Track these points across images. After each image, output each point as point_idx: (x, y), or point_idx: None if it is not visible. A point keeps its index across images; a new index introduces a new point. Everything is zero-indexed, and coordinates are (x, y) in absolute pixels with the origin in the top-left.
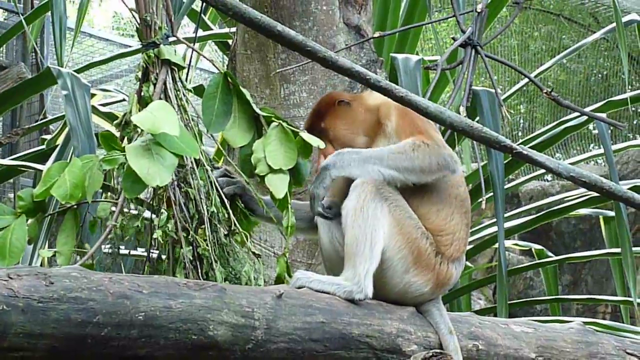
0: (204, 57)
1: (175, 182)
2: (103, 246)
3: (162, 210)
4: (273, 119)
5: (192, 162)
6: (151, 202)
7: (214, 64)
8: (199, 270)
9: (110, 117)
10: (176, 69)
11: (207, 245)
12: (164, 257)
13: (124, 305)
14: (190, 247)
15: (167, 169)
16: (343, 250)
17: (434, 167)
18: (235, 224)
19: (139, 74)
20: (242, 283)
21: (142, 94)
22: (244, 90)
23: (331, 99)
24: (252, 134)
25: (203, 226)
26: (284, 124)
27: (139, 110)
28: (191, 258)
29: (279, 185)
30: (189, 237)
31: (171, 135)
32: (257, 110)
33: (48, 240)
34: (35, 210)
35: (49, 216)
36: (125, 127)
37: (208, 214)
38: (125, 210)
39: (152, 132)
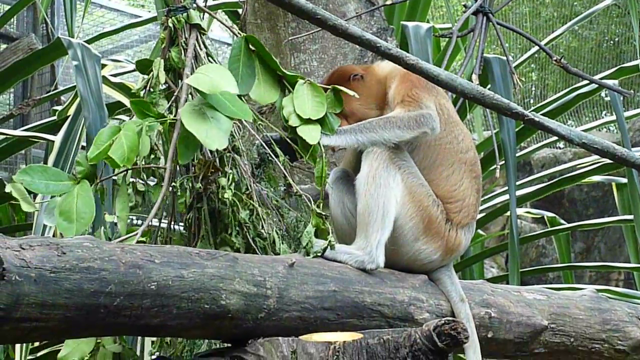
0: (224, 24)
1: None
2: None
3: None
4: (298, 78)
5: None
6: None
7: (232, 31)
8: (249, 235)
9: (121, 87)
10: (203, 34)
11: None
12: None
13: (137, 275)
14: (247, 211)
15: (224, 132)
16: (354, 220)
17: (413, 125)
18: (293, 186)
19: (164, 39)
20: (302, 244)
21: (167, 58)
22: (269, 53)
23: (344, 74)
24: (278, 92)
25: (249, 191)
26: (311, 81)
27: (167, 75)
28: (248, 222)
29: (311, 133)
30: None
31: (222, 99)
32: (279, 72)
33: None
34: (92, 175)
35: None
36: (150, 93)
37: (257, 178)
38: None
39: (211, 93)
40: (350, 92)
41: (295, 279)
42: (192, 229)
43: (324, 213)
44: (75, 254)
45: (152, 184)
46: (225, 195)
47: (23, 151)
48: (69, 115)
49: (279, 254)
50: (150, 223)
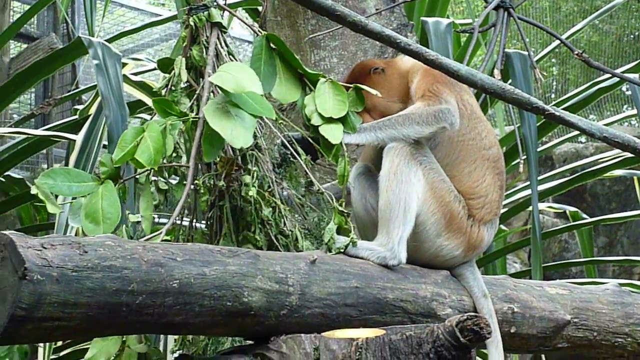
0: (245, 23)
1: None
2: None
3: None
4: (320, 77)
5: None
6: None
7: (252, 29)
8: (271, 232)
9: (142, 86)
10: (224, 32)
11: (284, 205)
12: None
13: (159, 273)
14: (270, 209)
15: (249, 130)
16: (376, 215)
17: (431, 121)
18: (314, 182)
19: (185, 37)
20: (324, 241)
21: (189, 56)
22: (290, 51)
23: (365, 68)
24: (299, 90)
25: (271, 189)
26: (332, 80)
27: (188, 74)
28: (271, 219)
29: (333, 132)
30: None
31: (246, 97)
32: (301, 70)
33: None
34: (116, 176)
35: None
36: (172, 91)
37: (279, 176)
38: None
39: (235, 92)
40: (372, 91)
41: (317, 275)
42: (214, 227)
43: (345, 211)
44: (97, 252)
45: (173, 182)
46: (250, 193)
47: (44, 151)
48: (90, 115)
49: (301, 252)
50: (173, 222)
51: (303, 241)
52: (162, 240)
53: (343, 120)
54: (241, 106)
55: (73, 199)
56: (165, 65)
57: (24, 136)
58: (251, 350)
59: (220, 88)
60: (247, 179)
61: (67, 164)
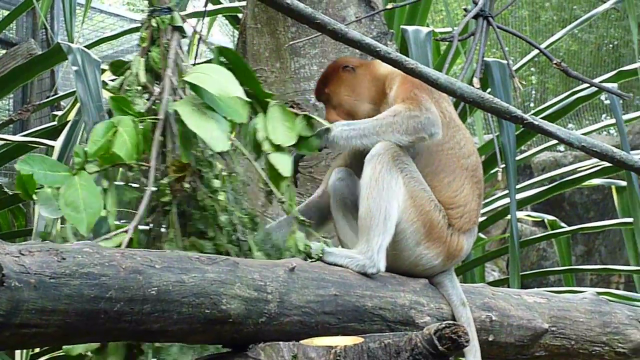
0: (198, 33)
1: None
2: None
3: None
4: (268, 98)
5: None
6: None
7: (204, 41)
8: (224, 241)
9: None
10: (183, 37)
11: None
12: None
13: (137, 280)
14: (227, 216)
15: (226, 134)
16: (356, 222)
17: (410, 130)
18: (274, 192)
19: (144, 38)
20: (284, 253)
21: (147, 58)
22: (243, 65)
23: (337, 65)
24: (247, 111)
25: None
26: (281, 104)
27: (146, 74)
28: (227, 226)
29: (283, 164)
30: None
31: (218, 100)
32: (257, 86)
33: None
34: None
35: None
36: (127, 91)
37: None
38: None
39: (220, 95)
40: (322, 121)
41: (296, 283)
42: (151, 233)
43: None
44: (75, 259)
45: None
46: (220, 197)
47: (23, 157)
48: (69, 121)
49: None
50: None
51: (256, 251)
52: (130, 240)
53: (302, 139)
54: (216, 109)
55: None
56: (117, 67)
57: (2, 142)
58: (229, 358)
59: (195, 89)
60: (217, 183)
61: None
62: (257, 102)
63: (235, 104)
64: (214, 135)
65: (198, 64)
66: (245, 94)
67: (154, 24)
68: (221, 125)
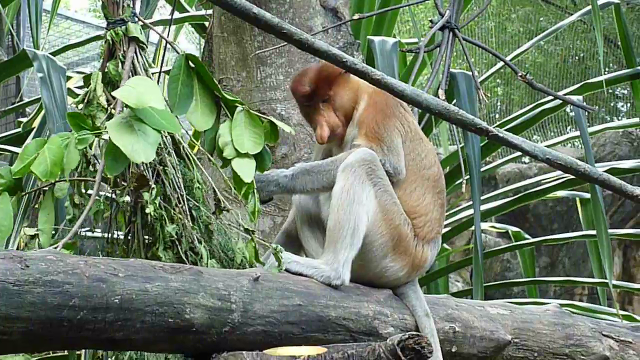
0: (164, 38)
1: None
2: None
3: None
4: (237, 104)
5: (166, 141)
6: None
7: (173, 47)
8: (180, 250)
9: None
10: (142, 48)
11: (189, 222)
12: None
13: (100, 289)
14: (175, 225)
15: (152, 145)
16: (320, 232)
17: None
18: (222, 201)
19: (104, 51)
20: (236, 261)
21: (106, 71)
22: (208, 73)
23: (331, 69)
24: (214, 117)
25: (181, 204)
26: (250, 110)
27: (105, 88)
28: (175, 236)
29: (246, 170)
30: (171, 214)
31: (151, 111)
32: (218, 93)
33: (26, 220)
34: (15, 188)
35: (27, 195)
36: (88, 105)
37: (186, 191)
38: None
39: (137, 107)
40: (286, 128)
41: (260, 293)
42: (129, 243)
43: (251, 229)
44: (38, 267)
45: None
46: (147, 210)
47: None
48: (34, 128)
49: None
50: (83, 235)
51: (208, 259)
52: None
53: (257, 156)
54: (145, 121)
55: None
56: (89, 80)
57: None
58: None
59: (124, 102)
60: (146, 195)
61: None
62: (227, 108)
63: (165, 115)
64: (135, 147)
65: (164, 71)
66: (215, 99)
67: (109, 37)
68: (147, 137)
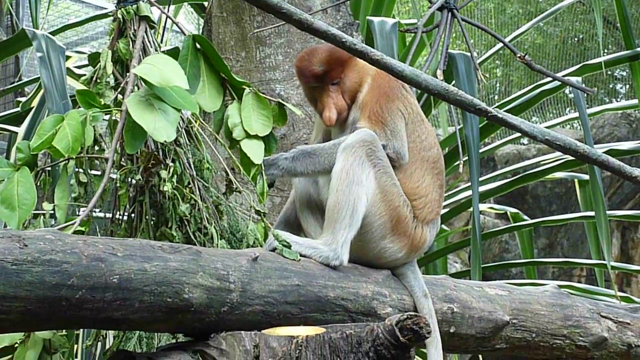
0: (172, 19)
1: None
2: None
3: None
4: (244, 86)
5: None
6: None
7: (179, 27)
8: (190, 229)
9: None
10: (153, 27)
11: (202, 202)
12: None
13: (99, 268)
14: (188, 205)
15: (172, 124)
16: (319, 212)
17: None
18: (234, 182)
19: (113, 30)
20: (248, 242)
21: (115, 49)
22: (217, 54)
23: (338, 51)
24: (221, 99)
25: (191, 185)
26: (257, 92)
27: (114, 66)
28: (188, 216)
29: (255, 151)
30: (183, 193)
31: (169, 90)
32: (226, 75)
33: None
34: (33, 163)
35: (41, 170)
36: (97, 83)
37: (195, 172)
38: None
39: (160, 85)
40: (296, 111)
41: (258, 273)
42: (134, 222)
43: (262, 210)
44: (37, 246)
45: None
46: (165, 188)
47: None
48: (33, 107)
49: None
50: (92, 214)
51: (218, 239)
52: (75, 232)
53: (264, 138)
54: (165, 100)
55: None
56: (94, 59)
57: None
58: (191, 347)
59: (144, 80)
60: (164, 173)
61: (8, 157)
62: (233, 90)
63: (183, 94)
64: (157, 125)
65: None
66: (221, 81)
67: (120, 16)
68: (168, 115)
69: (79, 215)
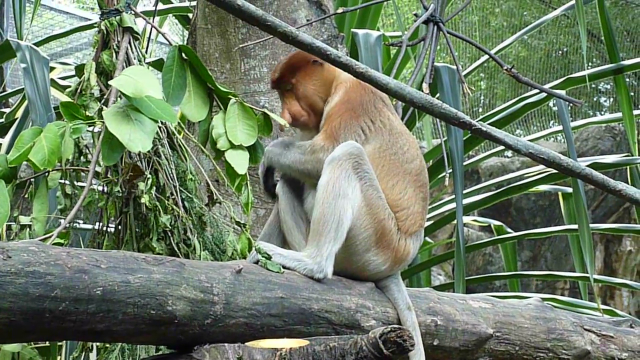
0: (158, 30)
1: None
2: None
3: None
4: (230, 96)
5: (160, 132)
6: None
7: (166, 38)
8: (173, 241)
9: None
10: (136, 38)
11: (183, 213)
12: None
13: (82, 280)
14: (169, 216)
15: (148, 135)
16: (304, 224)
17: (314, 175)
18: (215, 193)
19: (97, 42)
20: (227, 254)
21: (99, 61)
22: (202, 65)
23: (305, 57)
24: (207, 109)
25: (174, 196)
26: (242, 101)
27: (98, 78)
28: (169, 227)
29: (239, 162)
30: (165, 205)
31: (148, 101)
32: (212, 85)
33: (16, 210)
34: (11, 176)
35: (21, 182)
36: (81, 95)
37: (179, 183)
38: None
39: (134, 96)
40: (280, 120)
41: (242, 285)
42: (120, 234)
43: (242, 222)
44: (20, 257)
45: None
46: (142, 200)
47: None
48: (17, 118)
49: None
50: (76, 226)
51: (201, 251)
52: (54, 244)
53: (250, 148)
54: (142, 110)
55: None
56: (81, 70)
57: None
58: (174, 359)
59: (121, 92)
60: (142, 185)
61: None
62: (219, 100)
63: (162, 105)
64: (132, 137)
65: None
66: (208, 91)
67: (103, 27)
68: (144, 126)
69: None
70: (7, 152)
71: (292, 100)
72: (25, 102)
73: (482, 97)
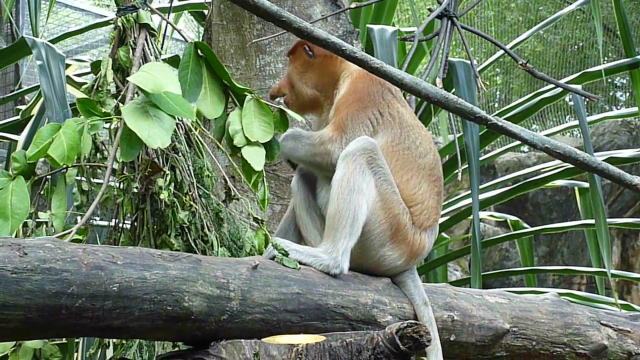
0: (174, 27)
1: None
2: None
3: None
4: (246, 92)
5: (177, 128)
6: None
7: (181, 34)
8: (190, 237)
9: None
10: (153, 35)
11: (200, 209)
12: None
13: (98, 276)
14: (187, 212)
15: (167, 131)
16: (319, 220)
17: (324, 166)
18: (232, 189)
19: (113, 38)
20: (245, 250)
21: (116, 57)
22: (218, 61)
23: (301, 43)
24: (223, 105)
25: (191, 192)
26: (259, 98)
27: (115, 74)
28: (188, 223)
29: (256, 158)
30: (182, 201)
31: (165, 97)
32: (227, 81)
33: (32, 206)
34: (29, 172)
35: (38, 179)
36: (98, 92)
37: (196, 179)
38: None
39: (154, 93)
40: (298, 117)
41: (258, 281)
42: (136, 230)
43: (260, 218)
44: (37, 254)
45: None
46: (161, 196)
47: None
48: (33, 115)
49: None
50: (93, 222)
51: (219, 247)
52: (73, 240)
53: (267, 144)
54: (160, 106)
55: None
56: (97, 67)
57: None
58: (190, 355)
59: (140, 88)
60: (160, 181)
61: (7, 165)
62: (235, 97)
63: (180, 101)
64: (151, 132)
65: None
66: (224, 88)
67: (120, 24)
68: (163, 122)
69: (94, 225)
70: (25, 149)
71: (286, 77)
72: (41, 100)
73: (498, 92)
